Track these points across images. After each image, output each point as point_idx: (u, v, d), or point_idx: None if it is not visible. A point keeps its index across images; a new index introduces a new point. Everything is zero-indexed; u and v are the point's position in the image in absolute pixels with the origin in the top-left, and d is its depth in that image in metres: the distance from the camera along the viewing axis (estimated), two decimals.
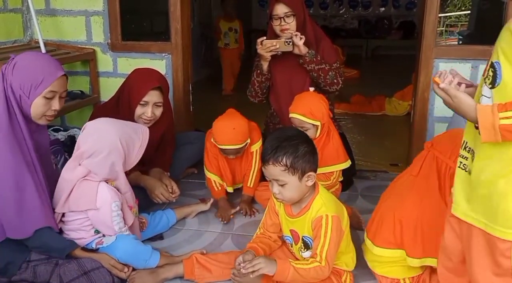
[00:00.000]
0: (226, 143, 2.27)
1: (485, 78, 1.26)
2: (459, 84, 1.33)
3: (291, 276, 1.58)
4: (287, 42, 2.35)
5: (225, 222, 2.29)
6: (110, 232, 1.82)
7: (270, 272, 1.58)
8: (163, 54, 2.85)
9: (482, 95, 1.27)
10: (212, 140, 2.35)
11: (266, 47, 2.39)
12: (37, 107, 1.72)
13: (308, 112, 2.20)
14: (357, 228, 2.19)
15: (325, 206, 1.63)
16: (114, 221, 1.80)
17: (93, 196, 1.76)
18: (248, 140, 2.34)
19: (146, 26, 3.06)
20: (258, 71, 2.56)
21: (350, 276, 1.77)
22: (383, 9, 9.31)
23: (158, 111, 2.29)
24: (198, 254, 1.87)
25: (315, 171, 1.64)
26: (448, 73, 1.37)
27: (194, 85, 3.03)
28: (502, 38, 1.21)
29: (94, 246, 1.83)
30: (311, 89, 2.29)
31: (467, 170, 1.31)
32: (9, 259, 1.67)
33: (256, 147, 2.44)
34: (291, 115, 2.25)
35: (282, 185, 1.61)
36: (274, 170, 1.59)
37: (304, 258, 1.71)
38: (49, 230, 1.71)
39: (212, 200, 2.36)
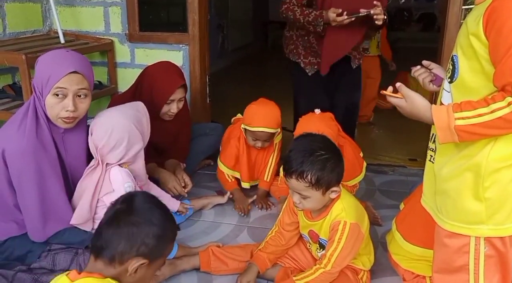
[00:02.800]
0: (261, 125, 2.24)
1: (446, 72, 1.23)
2: (436, 80, 1.32)
3: None
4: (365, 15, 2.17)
5: (244, 214, 2.27)
6: None
7: None
8: (180, 45, 2.84)
9: (443, 89, 1.24)
10: (242, 126, 2.33)
11: (342, 21, 2.20)
12: (50, 107, 1.65)
13: None
14: (373, 223, 2.16)
15: (345, 212, 1.59)
16: None
17: (108, 181, 1.78)
18: (279, 130, 2.33)
19: (163, 17, 3.05)
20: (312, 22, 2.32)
21: (367, 274, 1.75)
22: (403, 0, 9.16)
23: (181, 104, 2.32)
24: (214, 247, 1.87)
25: (340, 182, 1.58)
26: (418, 67, 1.37)
27: (210, 77, 3.01)
28: (461, 32, 1.18)
29: None
30: (317, 111, 2.14)
31: (434, 161, 1.32)
32: (30, 248, 1.69)
33: (277, 140, 2.43)
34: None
35: (304, 198, 1.56)
36: (298, 185, 1.52)
37: (318, 256, 1.70)
38: (67, 228, 1.72)
39: (229, 193, 2.35)
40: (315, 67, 2.48)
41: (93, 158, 1.79)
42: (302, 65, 2.51)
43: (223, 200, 2.34)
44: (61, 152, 1.75)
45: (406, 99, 1.24)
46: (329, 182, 1.52)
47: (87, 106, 1.72)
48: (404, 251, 1.69)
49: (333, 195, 1.57)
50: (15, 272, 1.59)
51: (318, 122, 2.07)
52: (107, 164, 1.77)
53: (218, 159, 2.47)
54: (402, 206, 1.85)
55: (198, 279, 1.81)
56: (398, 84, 1.27)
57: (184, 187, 2.27)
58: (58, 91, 1.63)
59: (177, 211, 2.16)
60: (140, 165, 1.88)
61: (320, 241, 1.67)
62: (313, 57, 2.47)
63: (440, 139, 1.17)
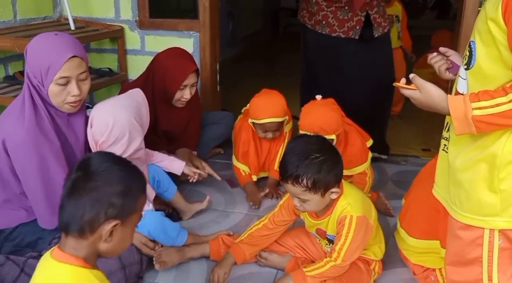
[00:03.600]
0: (267, 116, 2.21)
1: (463, 58, 1.19)
2: (452, 68, 1.26)
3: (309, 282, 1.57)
4: None
5: (256, 207, 2.25)
6: None
7: None
8: (191, 32, 2.81)
9: (459, 76, 1.21)
10: (250, 120, 2.31)
11: None
12: (54, 96, 1.62)
13: (319, 130, 1.94)
14: (384, 213, 2.14)
15: (350, 206, 1.56)
16: None
17: None
18: (287, 117, 2.30)
19: (173, 3, 3.02)
20: None
21: (379, 264, 1.74)
22: None
23: (193, 91, 2.30)
24: (225, 235, 1.86)
25: (339, 183, 1.54)
26: (435, 54, 1.33)
27: (221, 64, 2.99)
28: (479, 17, 1.14)
29: None
30: (318, 97, 2.10)
31: (448, 151, 1.29)
32: (40, 235, 1.69)
33: (287, 129, 2.40)
34: (301, 132, 2.08)
35: (303, 201, 1.53)
36: (295, 190, 1.50)
37: (328, 251, 1.69)
38: None
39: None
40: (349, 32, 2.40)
41: None
42: (333, 34, 2.42)
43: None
44: (68, 137, 1.74)
45: (421, 90, 1.21)
46: (326, 184, 1.48)
47: (89, 87, 1.71)
48: (411, 246, 1.67)
49: (333, 196, 1.54)
50: (26, 259, 1.60)
51: (322, 107, 2.04)
52: None
53: (233, 155, 2.45)
54: (403, 201, 1.83)
55: (208, 267, 1.81)
56: (412, 75, 1.25)
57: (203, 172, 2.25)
58: (62, 80, 1.61)
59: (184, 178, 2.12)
60: (141, 155, 1.86)
61: (328, 237, 1.65)
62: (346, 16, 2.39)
63: (457, 130, 1.13)
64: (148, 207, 1.86)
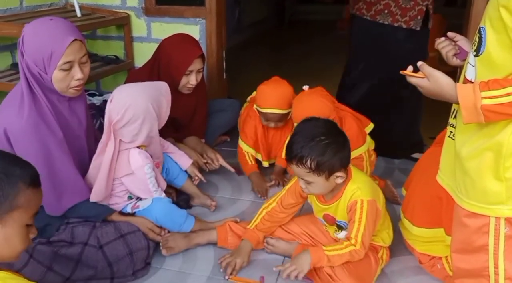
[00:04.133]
0: (270, 106, 2.20)
1: (472, 45, 1.17)
2: (460, 54, 1.25)
3: (326, 263, 1.57)
4: None
5: (263, 197, 2.24)
6: (147, 194, 1.84)
7: (307, 269, 1.56)
8: (197, 19, 2.79)
9: (468, 63, 1.19)
10: (254, 106, 2.30)
11: None
12: (59, 82, 1.61)
13: None
14: (391, 201, 2.14)
15: (360, 190, 1.56)
16: (150, 183, 1.81)
17: (126, 162, 1.78)
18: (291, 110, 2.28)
19: None
20: None
21: (387, 251, 1.74)
22: None
23: (200, 76, 2.28)
24: (232, 222, 1.87)
25: (346, 167, 1.55)
26: (443, 39, 1.31)
27: (227, 52, 2.97)
28: (490, 2, 1.12)
29: (129, 210, 1.85)
30: (305, 87, 2.09)
31: (455, 138, 1.28)
32: (48, 221, 1.71)
33: None
34: (295, 124, 2.07)
35: (308, 183, 1.54)
36: (299, 171, 1.51)
37: (338, 239, 1.68)
38: (83, 202, 1.73)
39: (215, 204, 2.13)
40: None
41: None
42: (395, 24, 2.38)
43: (208, 203, 2.12)
44: (71, 122, 1.74)
45: (429, 78, 1.19)
46: (331, 167, 1.49)
47: (89, 69, 1.71)
48: (415, 236, 1.68)
49: (338, 180, 1.54)
50: (34, 245, 1.62)
51: (310, 96, 2.03)
52: (120, 141, 1.77)
53: (239, 138, 2.45)
54: (403, 191, 1.83)
55: (214, 253, 1.82)
56: (420, 63, 1.23)
57: (214, 162, 2.26)
58: (65, 66, 1.60)
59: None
60: (156, 145, 1.87)
61: (338, 223, 1.65)
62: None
63: (464, 119, 1.12)
64: (161, 195, 1.88)
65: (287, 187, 1.78)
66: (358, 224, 1.55)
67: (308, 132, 1.52)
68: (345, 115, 2.13)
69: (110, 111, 1.74)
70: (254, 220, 1.79)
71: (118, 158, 1.78)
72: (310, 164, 1.48)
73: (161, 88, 1.85)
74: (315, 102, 1.98)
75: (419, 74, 1.23)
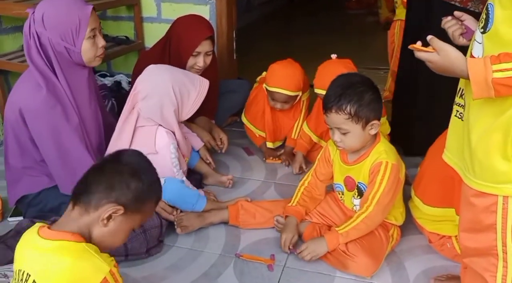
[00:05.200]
0: (277, 86, 2.21)
1: (479, 22, 1.15)
2: (466, 34, 1.24)
3: (343, 241, 1.59)
4: None
5: (276, 161, 2.29)
6: (171, 174, 1.87)
7: (322, 254, 1.61)
8: None
9: (475, 40, 1.17)
10: (264, 85, 2.30)
11: None
12: (87, 52, 1.65)
13: None
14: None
15: (386, 153, 1.60)
16: (173, 163, 1.85)
17: (152, 140, 1.81)
18: (300, 94, 2.28)
19: None
20: None
21: (398, 230, 1.76)
22: None
23: (208, 60, 2.27)
24: (244, 201, 1.90)
25: (379, 119, 1.59)
26: (450, 18, 1.29)
27: (237, 32, 2.95)
28: None
29: None
30: (333, 56, 2.08)
31: (463, 118, 1.27)
32: (62, 200, 1.74)
33: (304, 97, 2.39)
34: (317, 91, 2.07)
35: (344, 133, 1.57)
36: (337, 118, 1.54)
37: (353, 205, 1.69)
38: None
39: (231, 177, 2.15)
40: None
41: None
42: None
43: (222, 179, 2.14)
44: (91, 95, 1.78)
45: (439, 52, 1.16)
46: (368, 115, 1.53)
47: None
48: (426, 215, 1.68)
49: (372, 131, 1.57)
50: (50, 222, 1.65)
51: (337, 65, 2.03)
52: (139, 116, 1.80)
53: (243, 115, 2.46)
54: (419, 170, 1.82)
55: (226, 231, 1.85)
56: (429, 37, 1.20)
57: (221, 144, 2.29)
58: (92, 33, 1.64)
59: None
60: (176, 132, 1.88)
61: (359, 185, 1.67)
62: None
63: (474, 94, 1.11)
64: (182, 177, 1.91)
65: (318, 157, 1.82)
66: (378, 186, 1.57)
67: (345, 81, 1.58)
68: None
69: (137, 81, 1.80)
70: (294, 197, 1.81)
71: (143, 134, 1.81)
72: (350, 109, 1.51)
73: (196, 81, 1.86)
74: (340, 71, 1.95)
75: (429, 48, 1.21)
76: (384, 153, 1.60)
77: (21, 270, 1.04)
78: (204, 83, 1.87)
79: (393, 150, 1.64)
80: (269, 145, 2.43)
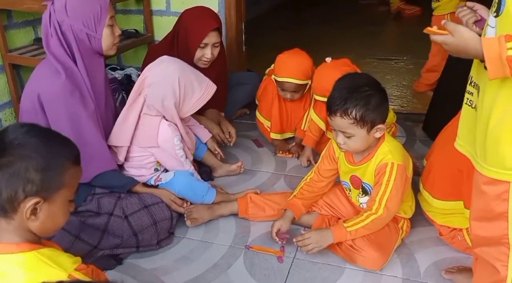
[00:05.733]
0: (286, 75, 2.19)
1: (492, 7, 1.13)
2: (480, 22, 1.23)
3: (350, 238, 1.58)
4: None
5: (286, 155, 2.29)
6: (180, 166, 1.88)
7: (325, 246, 1.59)
8: None
9: (488, 25, 1.16)
10: (272, 76, 2.30)
11: None
12: (107, 38, 1.70)
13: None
14: (414, 173, 2.12)
15: (391, 154, 1.56)
16: (179, 154, 1.86)
17: (155, 133, 1.81)
18: (309, 82, 2.27)
19: None
20: None
21: (407, 223, 1.75)
22: None
23: (216, 52, 2.27)
24: (253, 194, 1.90)
25: (384, 122, 1.55)
26: (465, 7, 1.28)
27: (246, 24, 2.94)
28: None
29: (153, 182, 1.90)
30: (328, 59, 2.05)
31: (473, 106, 1.25)
32: (82, 189, 1.76)
33: None
34: (318, 97, 2.05)
35: (348, 137, 1.53)
36: (342, 122, 1.50)
37: (359, 204, 1.69)
38: (109, 172, 1.77)
39: (240, 164, 2.18)
40: None
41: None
42: None
43: (232, 167, 2.17)
44: (106, 85, 1.82)
45: (454, 33, 1.16)
46: (374, 119, 1.49)
47: None
48: (435, 208, 1.67)
49: (377, 134, 1.54)
50: None
51: (331, 69, 1.99)
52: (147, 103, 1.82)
53: (257, 110, 2.46)
54: (425, 162, 1.81)
55: (236, 224, 1.86)
56: (444, 21, 1.21)
57: (229, 137, 2.29)
58: (110, 21, 1.69)
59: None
60: (179, 126, 1.88)
61: (364, 185, 1.66)
62: None
63: (490, 74, 1.10)
64: (190, 168, 1.92)
65: (322, 154, 1.80)
66: (384, 187, 1.54)
67: (349, 84, 1.51)
68: None
69: (147, 66, 1.83)
70: (293, 192, 1.81)
71: (146, 124, 1.82)
72: (355, 115, 1.47)
73: (204, 82, 1.85)
74: (334, 77, 1.95)
75: (443, 31, 1.21)
76: (389, 153, 1.56)
77: None
78: (211, 87, 1.86)
79: (398, 148, 1.60)
80: (275, 135, 2.42)
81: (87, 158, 1.68)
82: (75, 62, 1.68)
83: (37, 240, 1.00)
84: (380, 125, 1.52)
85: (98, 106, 1.77)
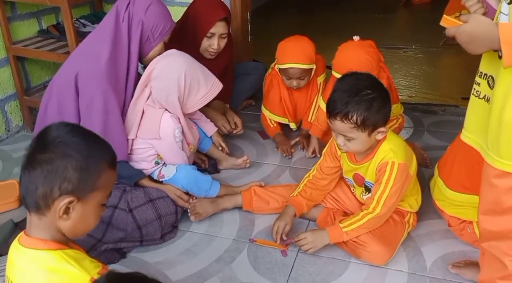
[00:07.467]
0: (290, 61, 2.15)
1: None
2: (488, 13, 1.18)
3: (346, 238, 1.57)
4: None
5: (289, 156, 2.25)
6: (179, 159, 1.87)
7: (320, 247, 1.59)
8: None
9: (501, 12, 1.13)
10: (276, 66, 2.26)
11: None
12: (155, 52, 1.84)
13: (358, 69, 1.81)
14: (421, 164, 2.09)
15: (392, 152, 1.52)
16: (179, 146, 1.85)
17: (157, 125, 1.80)
18: (314, 66, 2.22)
19: None
20: None
21: (414, 216, 1.72)
22: None
23: (223, 43, 2.24)
24: (257, 186, 1.88)
25: (386, 123, 1.51)
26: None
27: (252, 14, 2.90)
28: None
29: (156, 177, 1.89)
30: (356, 38, 1.99)
31: (480, 96, 1.24)
32: None
33: (321, 79, 2.34)
34: (335, 74, 1.98)
35: (348, 139, 1.50)
36: (342, 126, 1.46)
37: (365, 201, 1.66)
38: (121, 162, 1.76)
39: (245, 158, 2.15)
40: None
41: None
42: None
43: (237, 161, 2.14)
44: (136, 84, 1.85)
45: (470, 19, 1.12)
46: (375, 123, 1.45)
47: None
48: (447, 198, 1.63)
49: (379, 136, 1.51)
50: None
51: (356, 48, 1.94)
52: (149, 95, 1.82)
53: (262, 105, 2.43)
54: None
55: (240, 216, 1.85)
56: (457, 14, 1.18)
57: (235, 128, 2.28)
58: (167, 40, 1.89)
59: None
60: (182, 120, 1.87)
61: (366, 184, 1.63)
62: None
63: (505, 60, 1.06)
64: (186, 162, 1.91)
65: (324, 151, 1.77)
66: (384, 186, 1.52)
67: (351, 86, 1.46)
68: (383, 77, 2.03)
69: (154, 60, 1.82)
70: (297, 188, 1.78)
71: (149, 115, 1.81)
72: (356, 119, 1.43)
73: (210, 80, 1.83)
74: (358, 57, 1.90)
75: (458, 21, 1.17)
76: (390, 152, 1.52)
77: (7, 276, 0.99)
78: (217, 86, 1.84)
79: (400, 146, 1.56)
80: (292, 125, 2.39)
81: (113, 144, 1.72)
82: (128, 52, 1.78)
83: (65, 241, 1.01)
84: (381, 129, 1.48)
85: (126, 99, 1.82)
